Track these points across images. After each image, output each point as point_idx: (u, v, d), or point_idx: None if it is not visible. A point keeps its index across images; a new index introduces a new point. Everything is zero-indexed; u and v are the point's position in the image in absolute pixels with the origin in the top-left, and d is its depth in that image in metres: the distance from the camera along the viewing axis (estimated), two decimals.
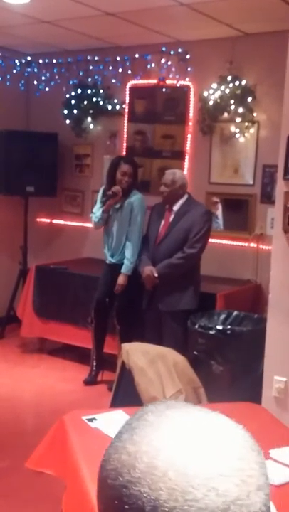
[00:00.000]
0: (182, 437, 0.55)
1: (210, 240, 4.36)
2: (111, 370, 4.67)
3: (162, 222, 4.31)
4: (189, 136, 5.19)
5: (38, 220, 6.20)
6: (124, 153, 5.47)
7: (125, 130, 5.56)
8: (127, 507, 0.52)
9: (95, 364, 4.74)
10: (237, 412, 2.26)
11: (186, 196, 4.30)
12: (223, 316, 4.19)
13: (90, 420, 2.08)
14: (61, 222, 6.12)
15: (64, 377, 4.92)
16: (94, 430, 2.02)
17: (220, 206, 5.06)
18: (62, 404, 4.31)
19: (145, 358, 2.66)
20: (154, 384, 2.58)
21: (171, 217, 4.27)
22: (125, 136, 5.56)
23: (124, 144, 5.57)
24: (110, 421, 2.09)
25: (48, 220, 6.21)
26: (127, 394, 2.72)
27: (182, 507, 0.50)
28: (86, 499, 1.63)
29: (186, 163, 5.21)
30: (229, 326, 3.96)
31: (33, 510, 2.85)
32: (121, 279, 4.46)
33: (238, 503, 0.51)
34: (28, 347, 5.53)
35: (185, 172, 4.93)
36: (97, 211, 4.59)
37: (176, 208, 4.27)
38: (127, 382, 2.70)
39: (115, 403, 2.74)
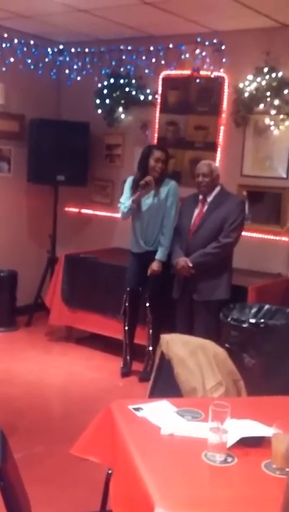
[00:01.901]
0: None
1: (242, 233, 4.35)
2: (140, 361, 4.71)
3: (196, 213, 4.31)
4: (222, 127, 5.16)
5: (66, 209, 6.22)
6: (155, 143, 5.45)
7: (157, 121, 5.54)
8: None
9: (128, 355, 4.75)
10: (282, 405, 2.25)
11: (219, 187, 4.32)
12: (254, 309, 4.17)
13: (136, 410, 2.09)
14: (90, 211, 6.14)
15: (91, 366, 4.96)
16: (141, 419, 2.03)
17: (247, 199, 5.03)
18: (90, 391, 4.37)
19: (185, 349, 2.66)
20: (195, 375, 2.58)
21: (205, 208, 4.28)
22: (157, 126, 5.55)
23: (156, 135, 5.56)
24: (156, 411, 2.09)
25: (76, 210, 6.23)
26: (165, 384, 2.72)
27: None
28: (138, 485, 1.64)
29: (219, 155, 5.18)
30: (262, 320, 3.95)
31: (69, 494, 2.88)
32: (156, 265, 4.47)
33: None
34: (55, 335, 5.58)
35: (217, 164, 4.91)
36: (126, 201, 4.58)
37: (210, 198, 4.28)
38: (166, 372, 2.70)
39: (154, 393, 2.75)
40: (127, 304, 4.64)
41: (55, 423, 3.88)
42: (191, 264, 4.18)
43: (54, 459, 3.27)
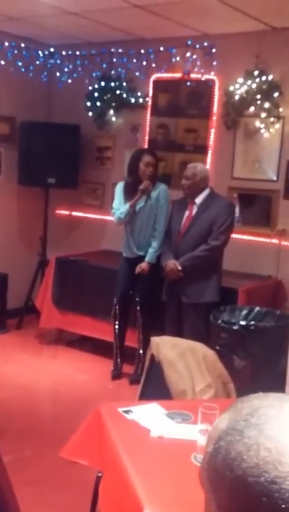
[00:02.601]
0: None
1: (231, 235, 4.36)
2: (130, 364, 4.70)
3: (185, 215, 4.32)
4: (213, 130, 5.17)
5: (57, 211, 6.21)
6: (146, 146, 5.47)
7: (148, 123, 5.55)
8: (280, 502, 0.52)
9: (119, 357, 4.74)
10: None
11: (208, 190, 4.32)
12: (244, 312, 4.19)
13: (126, 412, 2.09)
14: (80, 214, 6.13)
15: (82, 369, 4.95)
16: (131, 422, 2.03)
17: (237, 202, 5.05)
18: (81, 394, 4.36)
19: (175, 351, 2.67)
20: (184, 377, 2.59)
21: (194, 210, 4.29)
22: (148, 129, 5.55)
23: (147, 138, 5.56)
24: (146, 413, 2.10)
25: (67, 212, 6.22)
26: (155, 387, 2.73)
27: None
28: (127, 487, 1.65)
29: (209, 158, 5.20)
30: (252, 322, 3.96)
31: (60, 497, 2.88)
32: (144, 265, 4.47)
33: None
34: (45, 338, 5.56)
35: (207, 167, 4.93)
36: (121, 207, 4.57)
37: (198, 200, 4.29)
38: (156, 375, 2.71)
39: (144, 396, 2.75)
40: (117, 307, 4.64)
41: (46, 426, 3.87)
42: (180, 267, 4.19)
43: (44, 461, 3.26)
